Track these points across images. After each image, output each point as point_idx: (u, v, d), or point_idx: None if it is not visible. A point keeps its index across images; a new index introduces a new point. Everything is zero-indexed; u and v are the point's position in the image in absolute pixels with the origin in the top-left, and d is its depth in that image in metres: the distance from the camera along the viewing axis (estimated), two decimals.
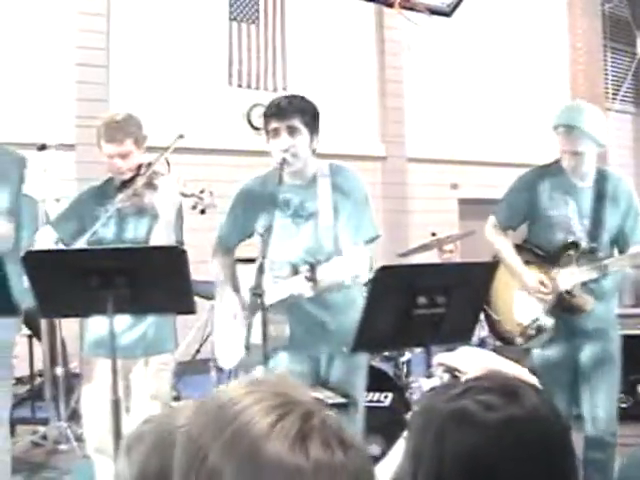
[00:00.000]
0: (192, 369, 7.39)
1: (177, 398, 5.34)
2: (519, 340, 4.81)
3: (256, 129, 10.91)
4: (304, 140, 4.15)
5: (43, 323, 6.24)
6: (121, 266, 3.51)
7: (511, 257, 4.79)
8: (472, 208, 12.06)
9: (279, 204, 4.11)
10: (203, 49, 10.69)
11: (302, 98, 4.23)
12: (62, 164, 8.38)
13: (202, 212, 4.27)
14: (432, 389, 2.42)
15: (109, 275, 3.50)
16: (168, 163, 4.55)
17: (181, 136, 4.37)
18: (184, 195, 4.25)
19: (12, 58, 9.22)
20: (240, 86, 10.96)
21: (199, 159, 9.54)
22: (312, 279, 3.98)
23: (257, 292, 3.47)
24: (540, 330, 4.71)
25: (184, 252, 3.51)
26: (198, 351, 7.49)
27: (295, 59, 11.39)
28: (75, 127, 9.56)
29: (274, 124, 4.12)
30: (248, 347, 3.47)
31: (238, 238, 4.46)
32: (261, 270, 3.54)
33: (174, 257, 3.53)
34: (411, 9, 10.46)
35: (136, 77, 10.15)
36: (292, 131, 4.11)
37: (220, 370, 6.85)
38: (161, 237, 4.30)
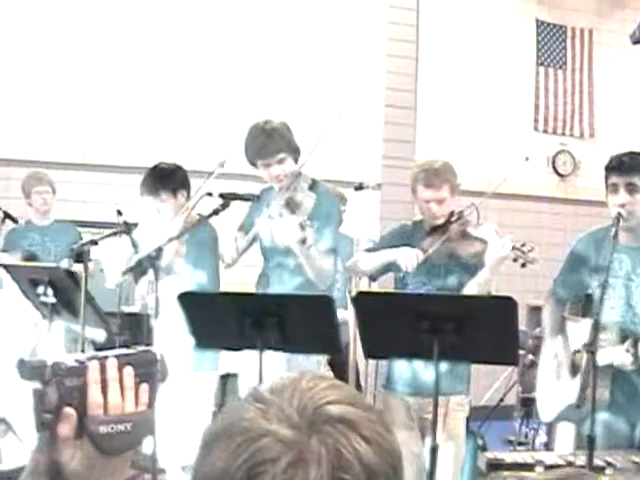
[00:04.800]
0: (497, 414, 7.36)
1: (483, 447, 5.28)
2: None
3: (561, 176, 10.73)
4: None
5: (351, 359, 6.35)
6: (450, 313, 3.52)
7: None
8: None
9: (611, 264, 3.99)
10: (509, 94, 10.63)
11: None
12: (368, 203, 8.57)
13: (523, 266, 4.18)
14: None
15: (438, 321, 3.52)
16: (478, 212, 4.55)
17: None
18: None
19: (327, 101, 9.56)
20: (546, 132, 10.81)
21: (503, 204, 9.47)
22: (635, 354, 3.86)
23: (591, 350, 3.39)
24: None
25: (515, 304, 3.46)
26: (502, 400, 7.44)
27: (603, 104, 11.09)
28: (381, 167, 9.76)
29: (613, 179, 4.04)
30: (581, 405, 3.38)
31: (570, 292, 4.38)
32: (596, 328, 3.45)
33: (505, 308, 3.49)
34: None
35: (442, 119, 10.23)
36: (631, 189, 4.01)
37: (525, 418, 6.84)
38: (473, 289, 4.29)
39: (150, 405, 1.45)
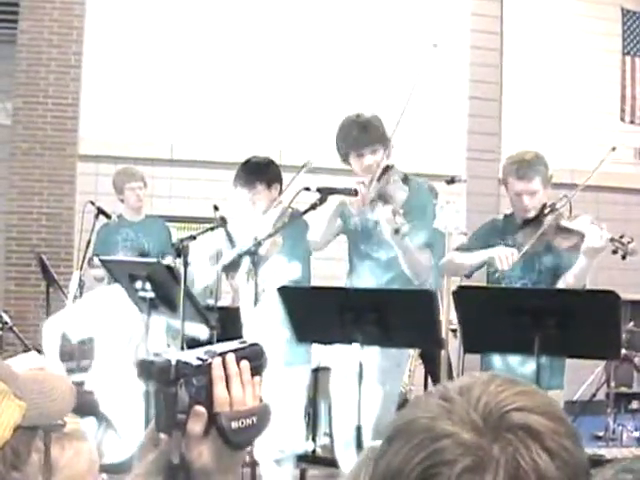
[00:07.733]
0: (589, 409, 7.30)
1: None
2: None
3: None
4: None
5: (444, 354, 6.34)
6: (552, 307, 3.50)
7: None
8: None
9: None
10: (595, 84, 10.47)
11: None
12: (454, 196, 8.52)
13: (623, 258, 4.13)
14: None
15: (539, 315, 3.50)
16: (570, 204, 4.50)
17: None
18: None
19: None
20: (632, 122, 10.63)
21: (589, 197, 9.34)
22: None
23: None
24: None
25: (618, 298, 3.43)
26: (594, 395, 7.37)
27: None
28: (466, 160, 9.71)
29: None
30: None
31: None
32: None
33: (609, 302, 3.47)
34: None
35: (527, 111, 10.12)
36: None
37: (615, 415, 6.79)
38: (569, 281, 4.25)
39: (261, 398, 1.46)
